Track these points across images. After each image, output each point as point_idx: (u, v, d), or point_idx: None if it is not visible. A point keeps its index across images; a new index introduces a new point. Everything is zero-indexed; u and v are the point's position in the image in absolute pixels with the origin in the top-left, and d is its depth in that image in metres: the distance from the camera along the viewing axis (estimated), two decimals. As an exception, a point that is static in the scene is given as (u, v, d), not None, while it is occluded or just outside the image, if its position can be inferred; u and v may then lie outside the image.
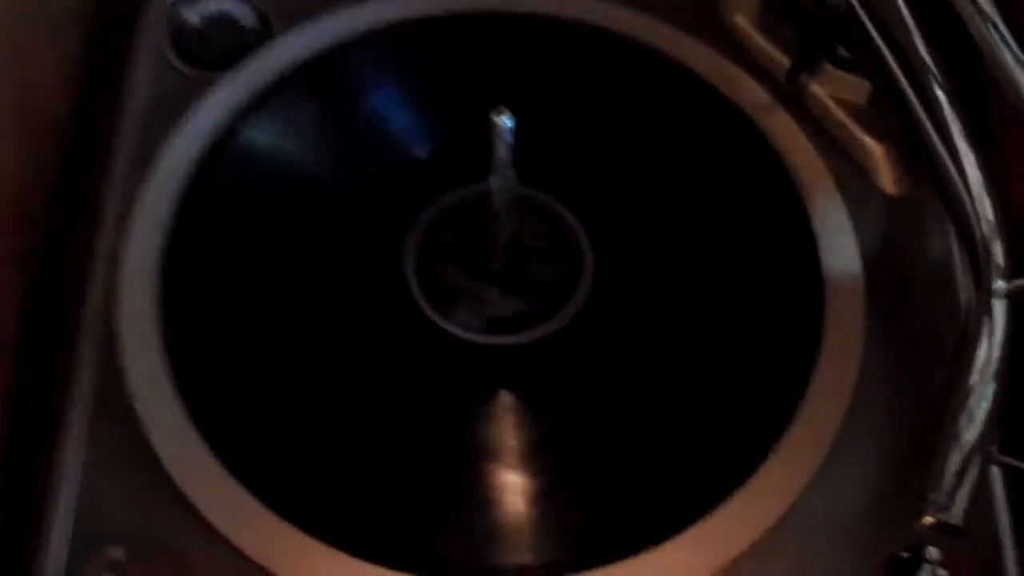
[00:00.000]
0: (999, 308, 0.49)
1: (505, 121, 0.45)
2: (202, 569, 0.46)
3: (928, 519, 0.43)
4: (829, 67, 0.59)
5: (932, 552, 0.47)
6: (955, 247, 0.56)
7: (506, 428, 0.52)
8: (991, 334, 0.48)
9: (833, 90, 0.59)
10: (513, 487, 0.51)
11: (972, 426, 0.45)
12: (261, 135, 0.58)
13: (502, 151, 0.47)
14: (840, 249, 0.56)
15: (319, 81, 0.59)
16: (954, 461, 0.44)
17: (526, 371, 0.54)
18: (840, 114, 0.59)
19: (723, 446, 0.51)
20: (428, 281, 0.54)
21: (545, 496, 0.50)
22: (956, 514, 0.43)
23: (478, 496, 0.51)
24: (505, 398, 0.53)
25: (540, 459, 0.51)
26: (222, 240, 0.56)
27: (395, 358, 0.54)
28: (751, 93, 0.60)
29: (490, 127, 0.46)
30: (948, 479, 0.44)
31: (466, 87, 0.59)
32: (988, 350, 0.48)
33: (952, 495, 0.43)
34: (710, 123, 0.60)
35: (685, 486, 0.50)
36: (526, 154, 0.53)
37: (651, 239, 0.57)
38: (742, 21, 0.62)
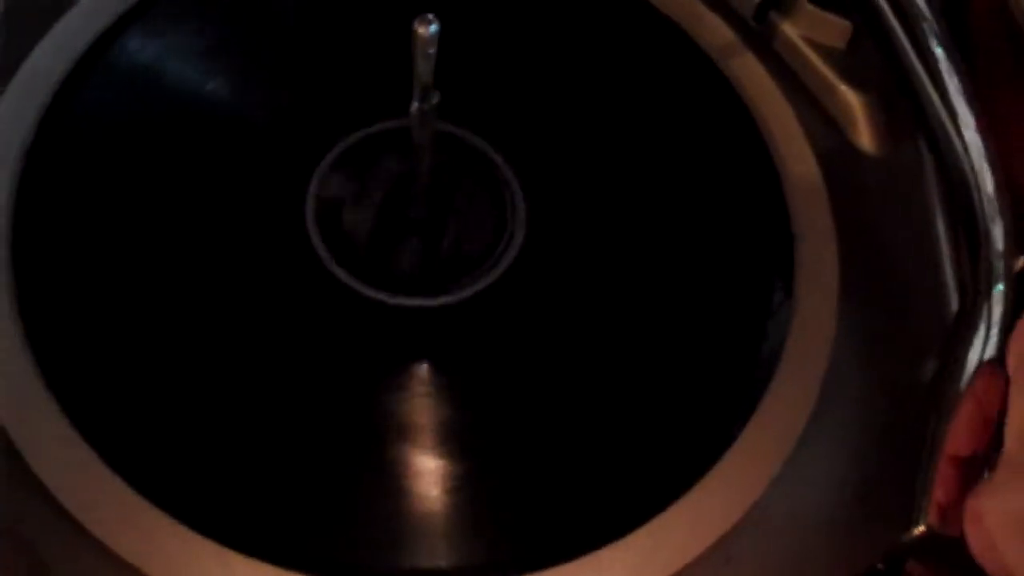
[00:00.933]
0: (997, 300, 0.42)
1: (430, 29, 0.37)
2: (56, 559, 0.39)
3: (920, 529, 0.39)
4: (804, 3, 0.52)
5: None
6: (942, 219, 0.49)
7: (421, 405, 0.44)
8: (987, 331, 0.44)
9: (807, 30, 0.53)
10: (427, 475, 0.43)
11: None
12: (141, 49, 0.49)
13: (424, 69, 0.39)
14: (811, 210, 0.49)
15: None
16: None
17: (446, 337, 0.46)
18: (814, 58, 0.53)
19: (676, 434, 0.44)
20: (332, 230, 0.46)
21: (465, 487, 0.42)
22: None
23: (385, 485, 0.42)
24: (421, 369, 0.45)
25: (460, 443, 0.43)
26: (87, 173, 0.47)
27: (292, 321, 0.45)
28: (715, 32, 0.54)
29: (412, 38, 0.38)
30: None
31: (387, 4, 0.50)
32: (983, 350, 0.43)
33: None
34: (668, 63, 0.53)
35: (631, 480, 0.43)
36: (457, 89, 0.45)
37: (595, 190, 0.50)
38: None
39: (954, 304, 0.48)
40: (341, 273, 0.45)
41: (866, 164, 0.51)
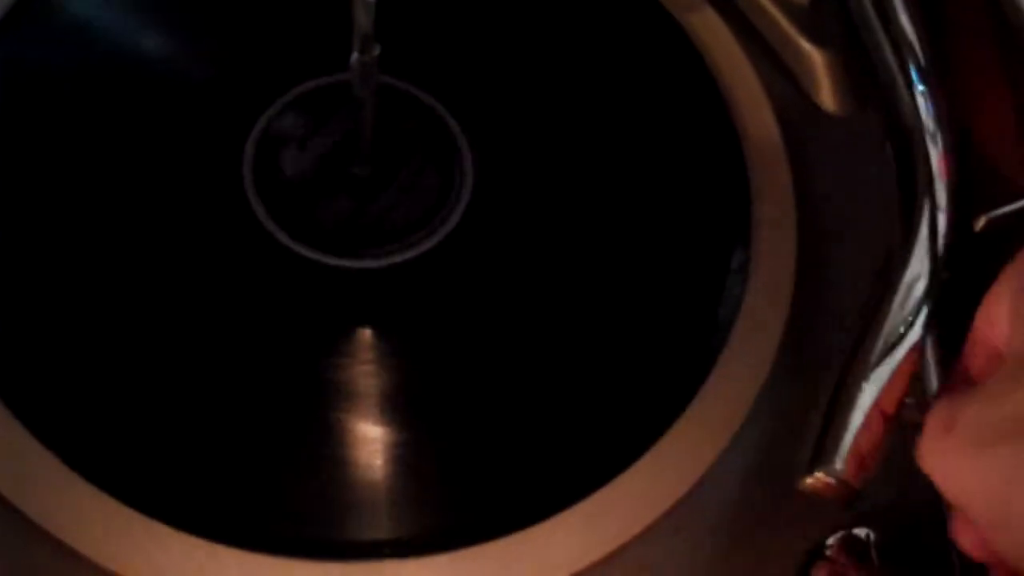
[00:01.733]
0: (926, 257, 0.41)
1: (367, -23, 0.35)
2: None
3: (810, 479, 0.37)
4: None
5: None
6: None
7: (361, 371, 0.42)
8: (911, 286, 0.41)
9: None
10: (370, 445, 0.41)
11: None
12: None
13: (364, 18, 0.37)
14: (769, 170, 0.47)
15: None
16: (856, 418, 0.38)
17: (389, 300, 0.44)
18: (776, 14, 0.51)
19: (626, 401, 0.42)
20: (272, 188, 0.44)
21: (408, 457, 0.41)
22: (841, 471, 0.37)
23: (322, 454, 0.41)
24: (363, 334, 0.43)
25: (404, 412, 0.42)
26: (19, 128, 0.45)
27: (229, 283, 0.44)
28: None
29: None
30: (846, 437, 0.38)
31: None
32: (903, 305, 0.40)
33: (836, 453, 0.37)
34: (624, 16, 0.51)
35: (578, 449, 0.41)
36: (406, 42, 0.44)
37: (546, 148, 0.48)
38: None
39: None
40: (279, 233, 0.43)
41: (827, 123, 0.50)
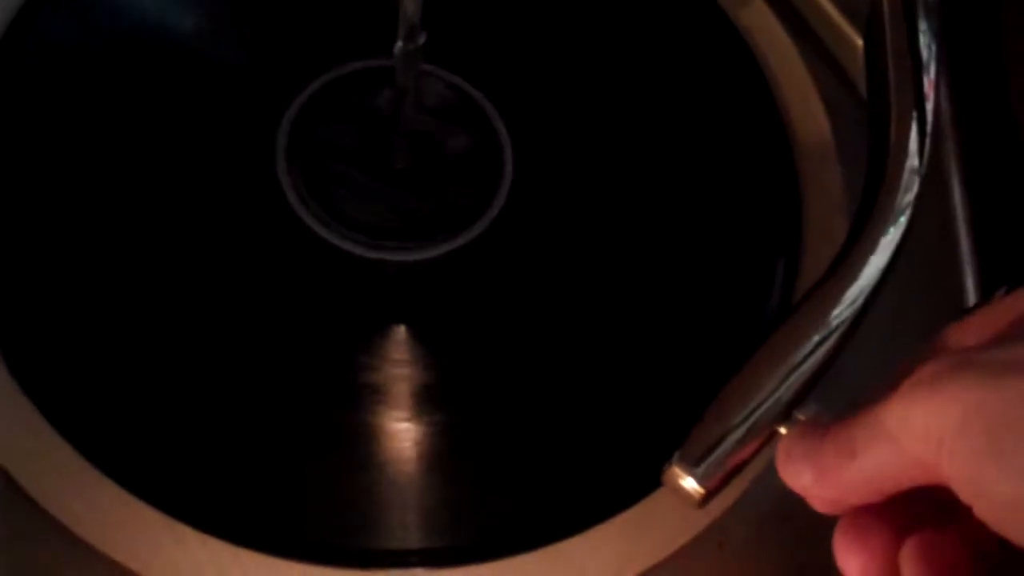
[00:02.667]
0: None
1: (417, -38, 0.33)
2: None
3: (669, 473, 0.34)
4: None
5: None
6: (958, 180, 0.46)
7: (394, 372, 0.41)
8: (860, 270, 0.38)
9: None
10: (397, 449, 0.40)
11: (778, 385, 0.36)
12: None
13: (411, 7, 0.35)
14: (820, 169, 0.46)
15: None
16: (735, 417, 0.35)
17: (424, 297, 0.43)
18: (829, 8, 0.49)
19: (668, 410, 0.41)
20: (306, 176, 0.42)
21: (436, 464, 0.40)
22: (701, 479, 0.34)
23: (351, 458, 0.40)
24: (397, 332, 0.42)
25: (434, 415, 0.40)
26: (45, 111, 0.43)
27: (259, 274, 0.42)
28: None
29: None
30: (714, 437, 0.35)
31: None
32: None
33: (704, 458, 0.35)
34: (672, 11, 0.49)
35: (619, 460, 0.40)
36: (450, 32, 0.42)
37: (590, 146, 0.46)
38: None
39: (969, 273, 0.45)
40: (311, 221, 0.42)
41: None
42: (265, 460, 0.39)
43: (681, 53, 0.49)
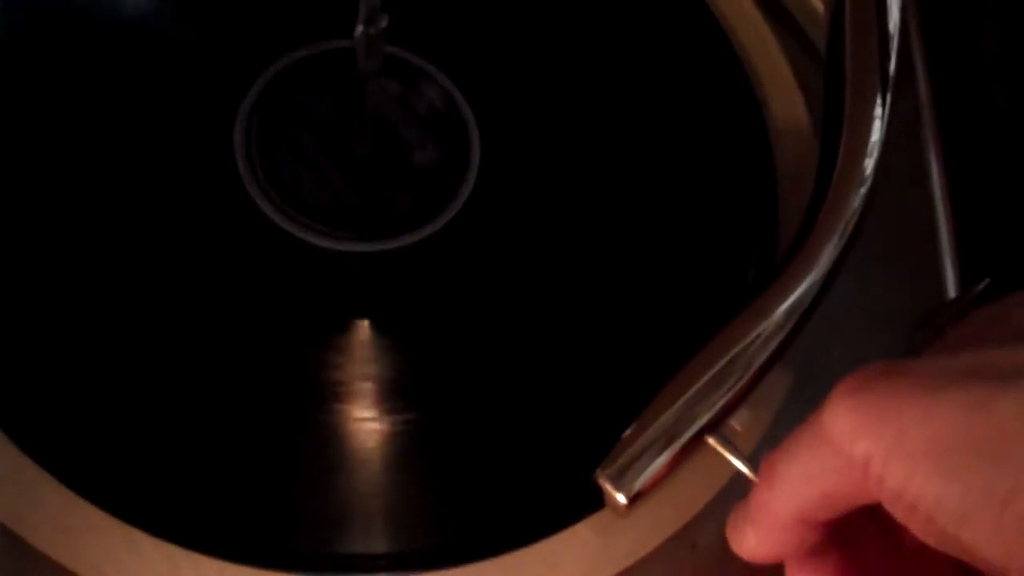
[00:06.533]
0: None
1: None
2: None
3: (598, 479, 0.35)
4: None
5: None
6: (936, 163, 0.45)
7: (358, 369, 0.40)
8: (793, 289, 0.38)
9: None
10: (363, 451, 0.38)
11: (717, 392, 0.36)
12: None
13: (372, -13, 0.34)
14: (797, 156, 0.44)
15: None
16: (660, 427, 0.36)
17: (387, 290, 0.41)
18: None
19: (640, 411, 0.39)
20: (265, 164, 0.41)
21: (404, 466, 0.38)
22: (623, 489, 0.35)
23: (316, 461, 0.38)
24: (360, 327, 0.40)
25: (401, 415, 0.39)
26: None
27: (219, 270, 0.40)
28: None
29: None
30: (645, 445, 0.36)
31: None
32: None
33: (630, 467, 0.35)
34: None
35: (589, 461, 0.38)
36: (416, 12, 0.41)
37: (559, 130, 0.45)
38: None
39: (950, 269, 0.44)
40: (271, 211, 0.40)
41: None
42: (224, 462, 0.37)
43: (654, 39, 0.47)
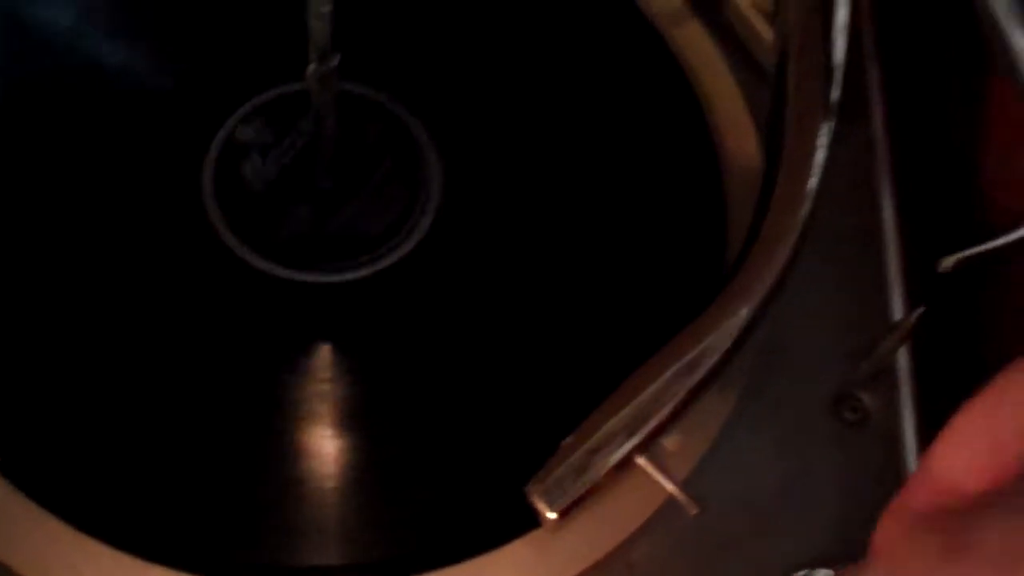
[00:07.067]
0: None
1: (320, -14, 0.34)
2: None
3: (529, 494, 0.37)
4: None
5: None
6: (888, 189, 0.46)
7: (318, 390, 0.42)
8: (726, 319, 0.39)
9: None
10: (317, 467, 0.40)
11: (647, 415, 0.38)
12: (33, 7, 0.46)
13: (320, 29, 0.36)
14: (751, 190, 0.46)
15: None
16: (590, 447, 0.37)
17: (349, 316, 0.43)
18: (763, 28, 0.48)
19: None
20: (233, 200, 0.43)
21: (357, 481, 0.40)
22: (551, 504, 0.37)
23: (271, 476, 0.40)
24: (322, 351, 0.42)
25: (355, 433, 0.41)
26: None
27: (187, 299, 0.43)
28: (661, -3, 0.50)
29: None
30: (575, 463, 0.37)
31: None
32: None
33: (561, 484, 0.37)
34: (606, 26, 0.49)
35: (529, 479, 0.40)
36: (376, 48, 0.44)
37: (517, 156, 0.47)
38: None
39: (897, 296, 0.45)
40: (238, 246, 0.42)
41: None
42: (186, 477, 0.39)
43: (609, 66, 0.49)
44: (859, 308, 0.45)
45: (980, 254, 0.37)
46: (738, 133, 0.47)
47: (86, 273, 0.42)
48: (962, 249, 0.40)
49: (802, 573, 0.39)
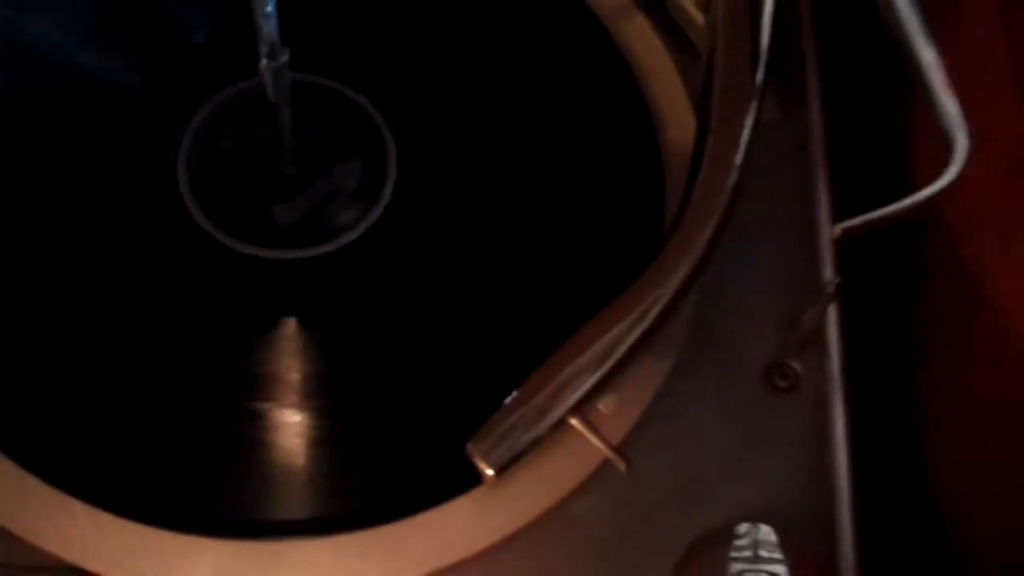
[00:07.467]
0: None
1: (264, -14, 0.37)
2: None
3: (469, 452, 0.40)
4: (694, -36, 0.51)
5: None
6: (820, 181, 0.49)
7: (285, 359, 0.45)
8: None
9: None
10: (286, 429, 0.44)
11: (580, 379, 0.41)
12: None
13: (268, 26, 0.39)
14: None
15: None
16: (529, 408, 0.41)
17: (312, 292, 0.47)
18: (698, 16, 0.51)
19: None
20: (206, 188, 0.47)
21: (319, 445, 0.43)
22: (490, 461, 0.40)
23: (240, 438, 0.43)
24: (287, 324, 0.46)
25: (310, 400, 0.44)
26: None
27: (161, 276, 0.46)
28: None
29: (250, -4, 0.38)
30: (518, 422, 0.41)
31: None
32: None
33: (499, 443, 0.40)
34: (553, 20, 0.52)
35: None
36: (321, 37, 0.47)
37: (470, 146, 0.50)
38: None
39: (828, 269, 0.48)
40: (214, 230, 0.46)
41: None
42: (162, 442, 0.43)
43: (556, 57, 0.52)
44: (792, 281, 0.48)
45: (881, 222, 0.40)
46: (675, 111, 0.50)
47: (69, 256, 0.46)
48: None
49: (746, 526, 0.42)
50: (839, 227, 0.40)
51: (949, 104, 0.39)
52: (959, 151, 0.37)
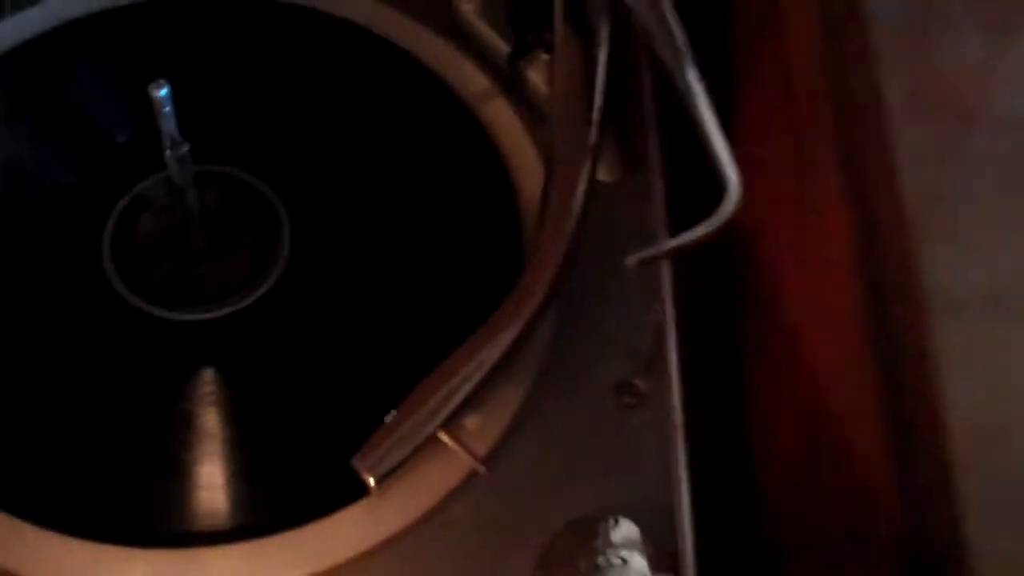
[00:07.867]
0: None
1: (160, 92, 0.45)
2: None
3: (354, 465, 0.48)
4: (542, 54, 0.60)
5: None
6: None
7: (197, 401, 0.53)
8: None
9: (547, 76, 0.59)
10: (203, 457, 0.51)
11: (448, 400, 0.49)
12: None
13: (167, 124, 0.47)
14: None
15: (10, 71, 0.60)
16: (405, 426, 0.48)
17: (218, 344, 0.55)
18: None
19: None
20: (127, 263, 0.55)
21: (235, 465, 0.51)
22: (372, 472, 0.48)
23: (166, 463, 0.51)
24: (200, 372, 0.54)
25: (232, 430, 0.52)
26: None
27: (88, 337, 0.54)
28: (471, 79, 0.61)
29: (151, 102, 0.46)
30: (395, 439, 0.48)
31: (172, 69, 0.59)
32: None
33: (385, 456, 0.48)
34: (425, 106, 0.61)
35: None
36: (238, 137, 0.55)
37: (356, 216, 0.58)
38: (467, 8, 0.62)
39: (668, 301, 0.55)
40: (133, 298, 0.54)
41: (603, 192, 0.57)
42: (95, 470, 0.50)
43: (427, 140, 0.60)
44: (636, 309, 0.55)
45: (670, 253, 0.48)
46: (531, 175, 0.58)
47: (7, 322, 0.54)
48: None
49: (612, 520, 0.47)
50: (630, 261, 0.48)
51: (720, 145, 0.46)
52: (732, 190, 0.45)
